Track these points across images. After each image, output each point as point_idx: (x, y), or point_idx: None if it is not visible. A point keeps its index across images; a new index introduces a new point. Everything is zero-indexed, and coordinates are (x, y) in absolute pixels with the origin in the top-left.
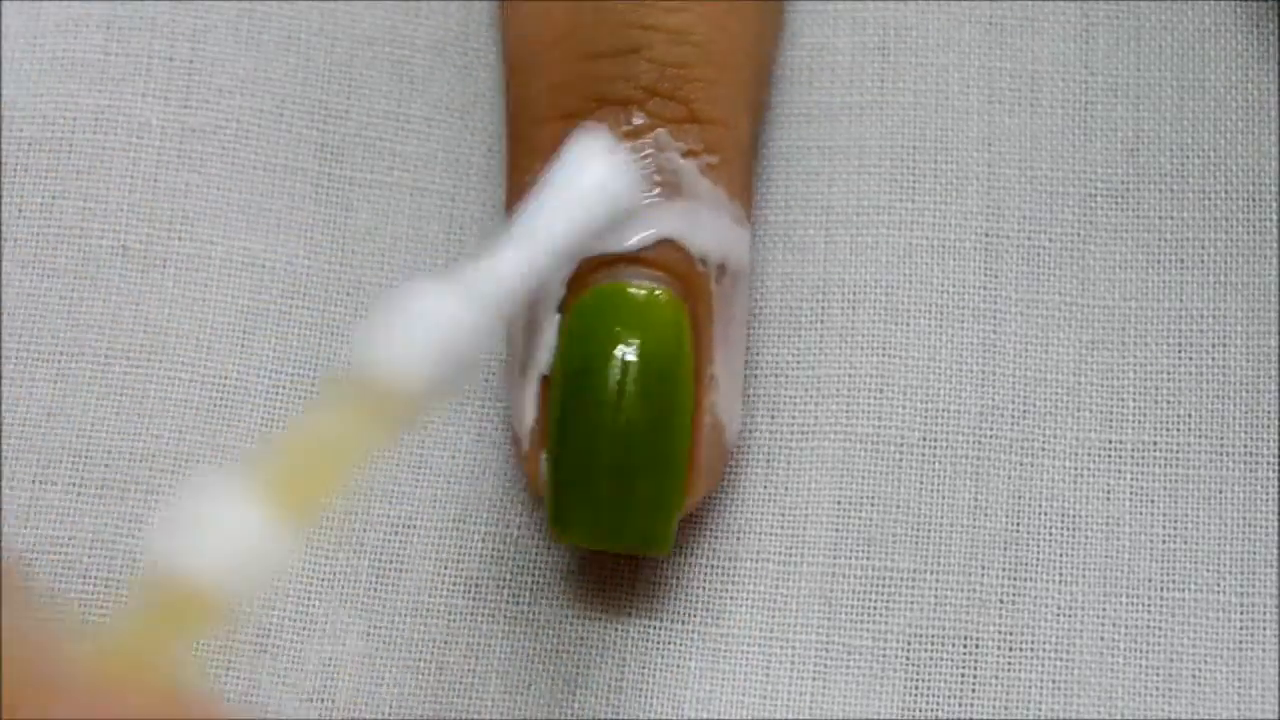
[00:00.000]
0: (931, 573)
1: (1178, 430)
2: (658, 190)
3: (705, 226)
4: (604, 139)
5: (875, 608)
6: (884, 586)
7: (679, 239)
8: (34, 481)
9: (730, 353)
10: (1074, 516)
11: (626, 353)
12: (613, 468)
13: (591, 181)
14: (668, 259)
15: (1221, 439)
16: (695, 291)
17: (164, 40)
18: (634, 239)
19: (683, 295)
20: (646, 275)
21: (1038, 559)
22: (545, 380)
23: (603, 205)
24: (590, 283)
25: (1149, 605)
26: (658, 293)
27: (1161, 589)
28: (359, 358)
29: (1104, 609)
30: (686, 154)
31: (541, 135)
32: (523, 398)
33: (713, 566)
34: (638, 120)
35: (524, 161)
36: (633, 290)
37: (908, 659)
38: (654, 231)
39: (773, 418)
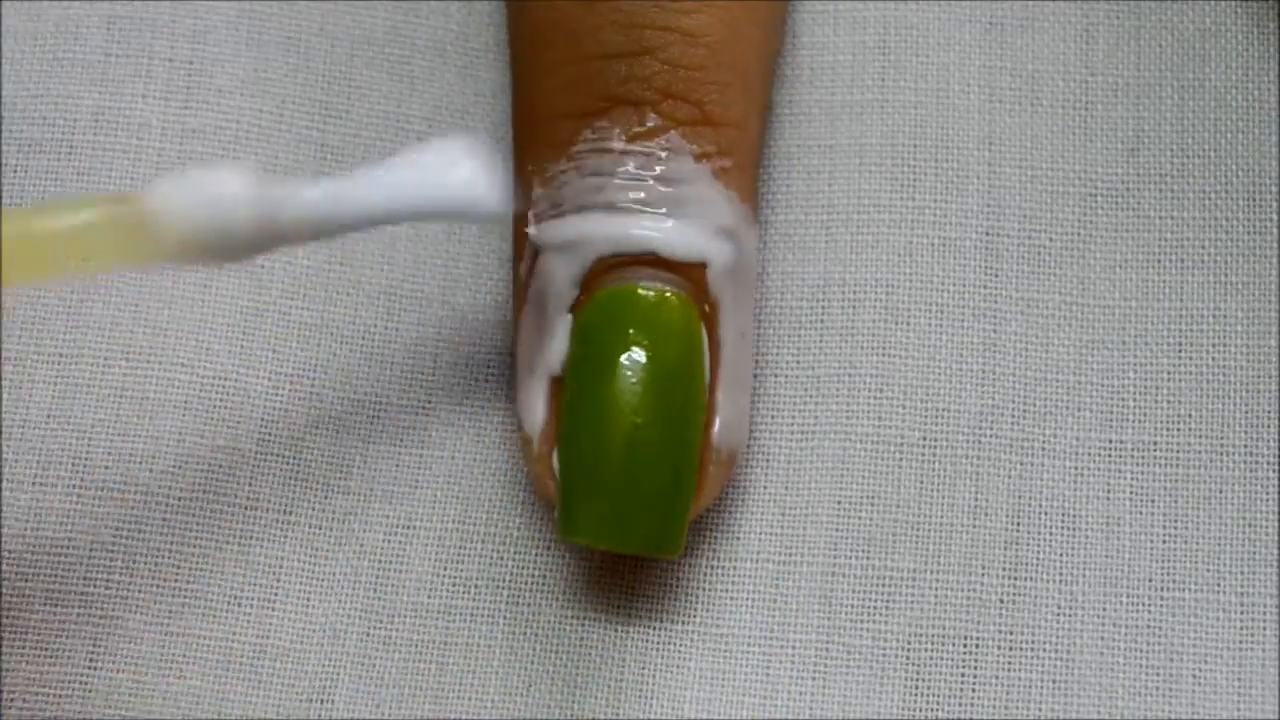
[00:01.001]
0: (931, 573)
1: (1178, 430)
2: (673, 192)
3: (717, 230)
4: (478, 150)
5: (875, 608)
6: (884, 587)
7: (692, 240)
8: (34, 484)
9: (740, 354)
10: (1074, 516)
11: (638, 354)
12: (624, 470)
13: (453, 179)
14: (681, 261)
15: (1221, 439)
16: (706, 294)
17: (164, 40)
18: (645, 238)
19: (694, 297)
20: (658, 277)
21: (1038, 559)
22: (556, 381)
23: (445, 200)
24: (602, 284)
25: (1149, 605)
26: (669, 294)
27: (1161, 589)
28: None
29: (1104, 609)
30: (699, 157)
31: (555, 131)
32: (533, 398)
33: (713, 567)
34: (651, 122)
35: (538, 155)
36: (644, 292)
37: (908, 659)
38: (664, 235)
39: (773, 418)
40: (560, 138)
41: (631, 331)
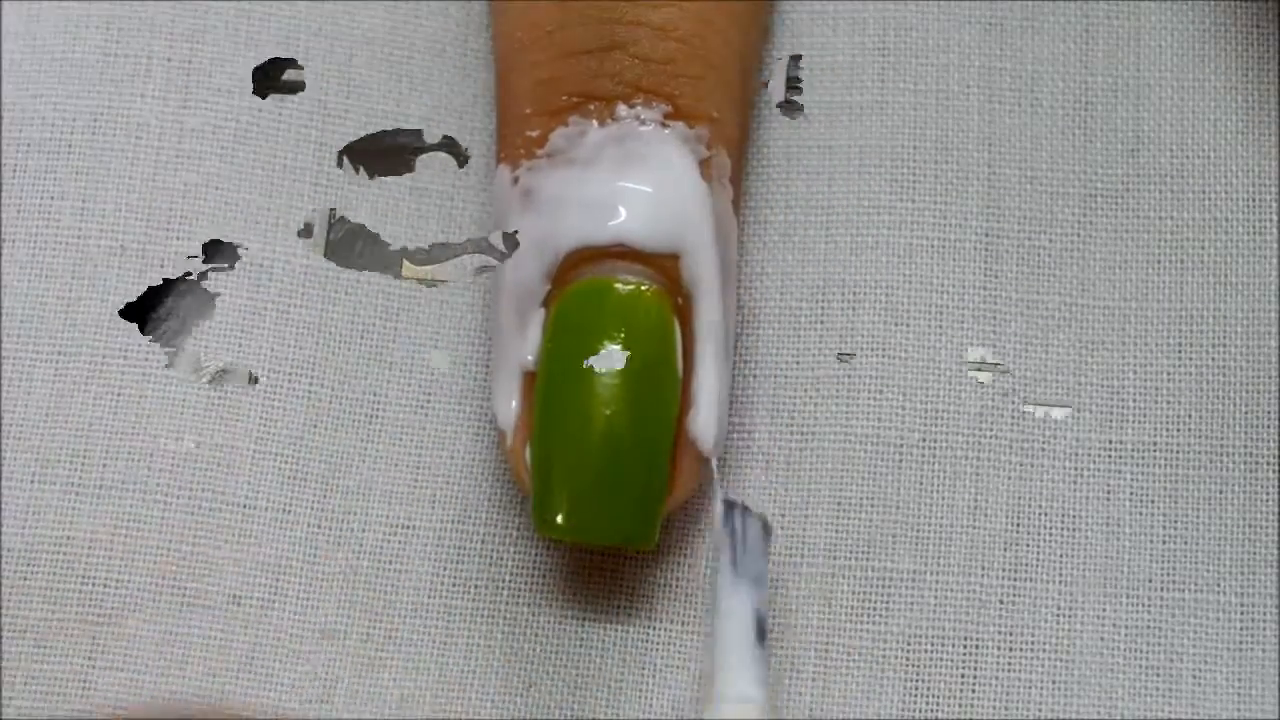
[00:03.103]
0: (931, 573)
1: (1178, 430)
2: (644, 185)
3: (690, 221)
4: None
5: (875, 608)
6: (883, 587)
7: (662, 232)
8: (33, 482)
9: (717, 346)
10: (1074, 517)
11: (611, 347)
12: (597, 463)
13: None
14: (653, 253)
15: (1221, 439)
16: (679, 285)
17: (163, 41)
18: (616, 230)
19: (669, 290)
20: (632, 270)
21: (1038, 559)
22: (530, 375)
23: None
24: (575, 277)
25: (1149, 605)
26: (643, 287)
27: (1161, 589)
28: None
29: (1104, 609)
30: (672, 149)
31: (530, 128)
32: (507, 392)
33: (713, 567)
34: (623, 116)
35: (514, 152)
36: (618, 285)
37: (907, 659)
38: (635, 226)
39: (773, 418)
40: (535, 135)
41: (604, 324)
